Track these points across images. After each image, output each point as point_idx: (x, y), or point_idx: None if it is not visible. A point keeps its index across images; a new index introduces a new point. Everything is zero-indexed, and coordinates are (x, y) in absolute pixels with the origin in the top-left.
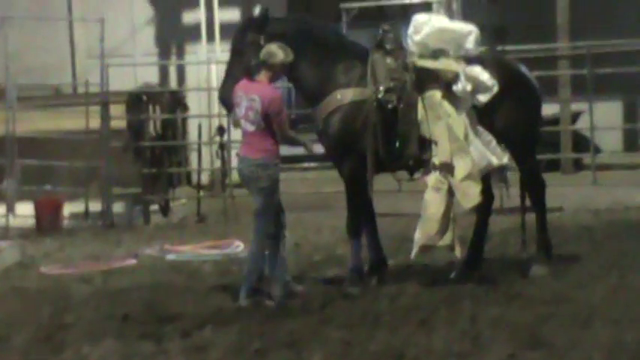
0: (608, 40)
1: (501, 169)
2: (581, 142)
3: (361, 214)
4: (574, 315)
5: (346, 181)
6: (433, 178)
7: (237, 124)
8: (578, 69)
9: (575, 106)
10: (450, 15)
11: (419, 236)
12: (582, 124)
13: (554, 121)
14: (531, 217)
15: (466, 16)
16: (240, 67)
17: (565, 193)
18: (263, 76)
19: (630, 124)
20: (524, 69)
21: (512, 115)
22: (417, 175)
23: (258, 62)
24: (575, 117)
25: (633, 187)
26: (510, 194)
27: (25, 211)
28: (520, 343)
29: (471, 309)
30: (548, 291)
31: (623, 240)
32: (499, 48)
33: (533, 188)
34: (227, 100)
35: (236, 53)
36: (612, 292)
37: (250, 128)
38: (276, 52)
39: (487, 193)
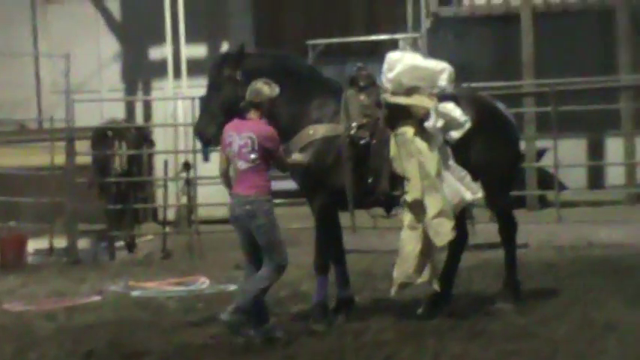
0: (573, 78)
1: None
2: (546, 179)
3: (330, 250)
4: (537, 351)
5: (316, 216)
6: (408, 216)
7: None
8: (543, 106)
9: (540, 143)
10: (418, 52)
11: (397, 274)
12: (547, 161)
13: (521, 158)
14: (497, 254)
15: (432, 54)
16: (216, 102)
17: (530, 230)
18: (253, 114)
19: (594, 161)
20: (500, 106)
21: (486, 152)
22: (394, 212)
23: (246, 103)
24: (540, 154)
25: (597, 224)
26: (476, 231)
27: None
28: None
29: (435, 345)
30: (512, 327)
31: (587, 277)
32: (465, 85)
33: (505, 226)
34: (203, 135)
35: (213, 88)
36: (575, 329)
37: (243, 166)
38: (261, 88)
39: (461, 230)
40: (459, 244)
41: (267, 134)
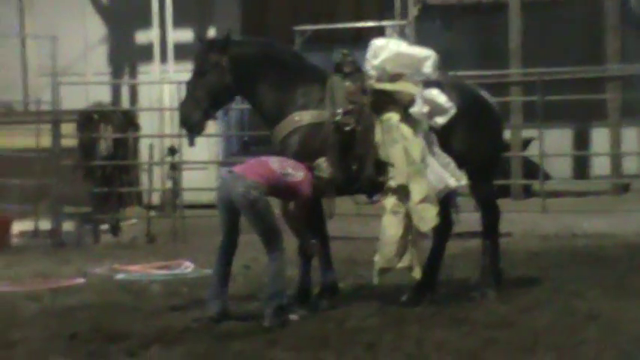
0: (560, 68)
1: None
2: (532, 169)
3: (314, 236)
4: (518, 340)
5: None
6: (390, 201)
7: None
8: (530, 96)
9: (525, 133)
10: (403, 40)
11: (378, 259)
12: (533, 151)
13: (505, 147)
14: (480, 243)
15: (419, 41)
16: (202, 89)
17: (514, 219)
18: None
19: (580, 151)
20: (484, 93)
21: (470, 139)
22: (375, 198)
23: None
24: (525, 143)
25: (581, 214)
26: (460, 219)
27: None
28: None
29: (418, 332)
30: (493, 315)
31: (569, 266)
32: (451, 73)
33: (488, 215)
34: (187, 122)
35: (198, 74)
36: (557, 318)
37: (270, 158)
38: (325, 168)
39: (446, 218)
40: (444, 232)
41: (308, 192)
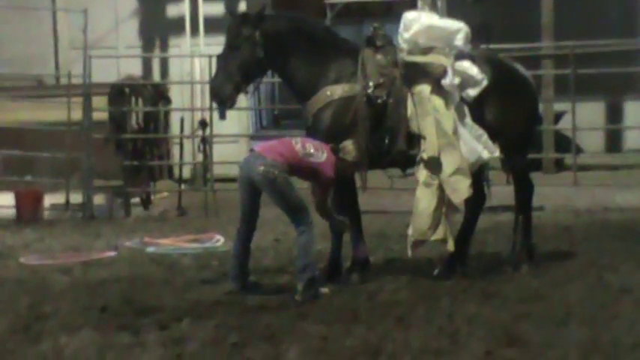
0: (592, 41)
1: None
2: (563, 143)
3: (346, 210)
4: (550, 314)
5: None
6: (423, 173)
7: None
8: (562, 69)
9: (558, 106)
10: (435, 13)
11: (412, 232)
12: (565, 125)
13: (539, 120)
14: (512, 216)
15: (451, 15)
16: (234, 63)
17: (546, 193)
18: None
19: (612, 124)
20: (518, 66)
21: (503, 111)
22: (409, 172)
23: (335, 148)
24: (557, 117)
25: (614, 187)
26: (492, 193)
27: (6, 201)
28: (496, 341)
29: (449, 306)
30: (525, 289)
31: (602, 240)
32: (483, 46)
33: (521, 188)
34: (218, 95)
35: (231, 48)
36: (589, 292)
37: (296, 142)
38: (351, 150)
39: (479, 192)
40: (476, 205)
41: (331, 172)
